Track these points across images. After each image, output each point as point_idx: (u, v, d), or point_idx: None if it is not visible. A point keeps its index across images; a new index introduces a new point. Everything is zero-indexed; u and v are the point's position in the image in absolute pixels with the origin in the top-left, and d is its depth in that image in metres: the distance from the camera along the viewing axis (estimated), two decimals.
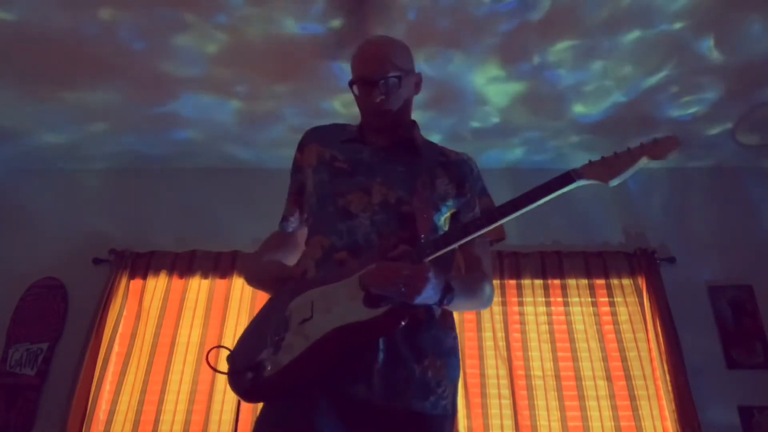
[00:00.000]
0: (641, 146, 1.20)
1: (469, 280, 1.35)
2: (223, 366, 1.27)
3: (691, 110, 3.13)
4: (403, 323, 1.14)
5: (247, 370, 1.20)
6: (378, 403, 1.16)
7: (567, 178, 1.18)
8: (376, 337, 1.19)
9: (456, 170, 1.42)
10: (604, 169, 1.19)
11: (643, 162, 1.19)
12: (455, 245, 1.21)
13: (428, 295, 1.14)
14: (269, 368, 1.18)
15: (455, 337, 1.33)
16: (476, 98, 3.06)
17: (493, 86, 2.97)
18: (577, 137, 3.40)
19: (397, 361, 1.19)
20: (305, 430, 1.13)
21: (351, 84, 1.41)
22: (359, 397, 1.16)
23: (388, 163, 1.38)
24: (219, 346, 1.40)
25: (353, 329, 1.15)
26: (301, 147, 1.51)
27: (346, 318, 1.15)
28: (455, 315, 1.39)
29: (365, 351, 1.19)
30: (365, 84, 1.37)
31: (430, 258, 1.18)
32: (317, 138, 1.49)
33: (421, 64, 2.70)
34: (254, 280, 1.40)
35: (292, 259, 1.48)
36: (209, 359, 1.43)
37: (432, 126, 3.20)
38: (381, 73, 1.35)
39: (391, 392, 1.17)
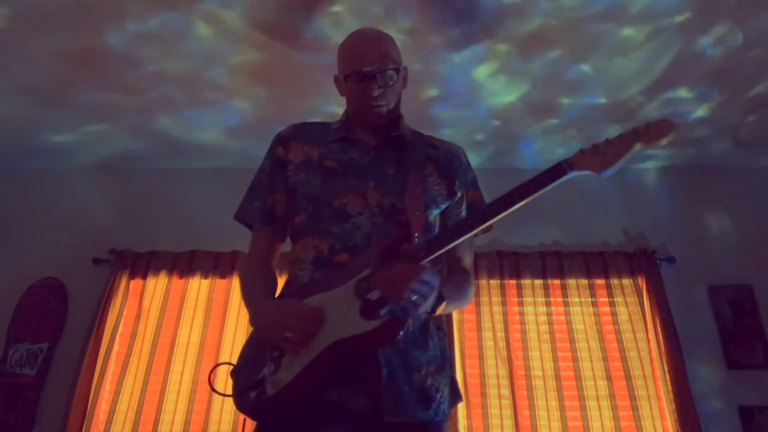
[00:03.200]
0: (634, 131, 1.10)
1: (456, 285, 1.33)
2: (226, 379, 1.26)
3: (691, 110, 3.13)
4: (401, 333, 1.11)
5: (249, 390, 1.18)
6: (387, 417, 1.13)
7: (559, 169, 1.10)
8: (375, 349, 1.15)
9: (445, 165, 1.38)
10: (596, 158, 1.10)
11: (637, 148, 1.10)
12: (448, 247, 1.15)
13: (427, 305, 1.12)
14: (271, 388, 1.15)
15: (443, 336, 1.31)
16: None
17: None
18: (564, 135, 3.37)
19: (399, 374, 1.16)
20: None
21: (345, 77, 1.33)
22: (367, 411, 1.13)
23: (379, 164, 1.33)
24: (220, 364, 1.36)
25: (351, 343, 1.10)
26: (285, 141, 1.41)
27: (344, 331, 1.11)
28: (454, 314, 1.40)
29: (366, 364, 1.15)
30: (363, 77, 1.30)
31: (424, 261, 1.13)
32: (302, 135, 1.41)
33: None
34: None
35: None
36: (212, 380, 1.38)
37: None
38: (380, 65, 1.30)
39: (400, 405, 1.14)
